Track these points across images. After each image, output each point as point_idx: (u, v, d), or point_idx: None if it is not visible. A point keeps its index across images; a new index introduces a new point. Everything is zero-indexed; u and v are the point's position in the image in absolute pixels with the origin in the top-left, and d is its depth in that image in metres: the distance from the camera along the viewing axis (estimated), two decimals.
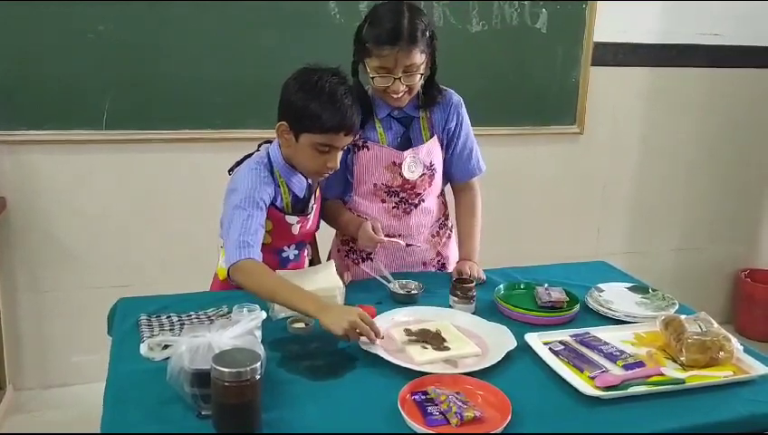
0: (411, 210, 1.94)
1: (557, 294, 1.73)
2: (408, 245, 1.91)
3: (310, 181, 1.78)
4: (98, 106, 2.56)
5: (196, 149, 2.69)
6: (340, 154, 1.70)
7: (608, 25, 3.03)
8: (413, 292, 1.78)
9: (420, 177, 1.89)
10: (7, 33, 2.43)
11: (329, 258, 2.05)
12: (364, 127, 1.85)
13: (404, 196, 1.92)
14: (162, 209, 2.74)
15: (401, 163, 1.87)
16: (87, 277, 2.72)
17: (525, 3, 2.89)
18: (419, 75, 1.78)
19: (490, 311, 1.72)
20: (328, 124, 1.61)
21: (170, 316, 1.61)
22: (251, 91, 2.65)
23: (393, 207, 1.93)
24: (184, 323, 1.57)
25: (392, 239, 1.86)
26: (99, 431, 1.24)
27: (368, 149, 1.87)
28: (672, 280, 3.42)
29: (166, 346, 1.40)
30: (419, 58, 1.74)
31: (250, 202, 1.63)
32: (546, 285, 1.79)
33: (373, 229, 1.82)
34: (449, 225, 2.07)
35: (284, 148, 1.71)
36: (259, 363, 1.20)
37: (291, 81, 1.67)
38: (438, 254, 2.02)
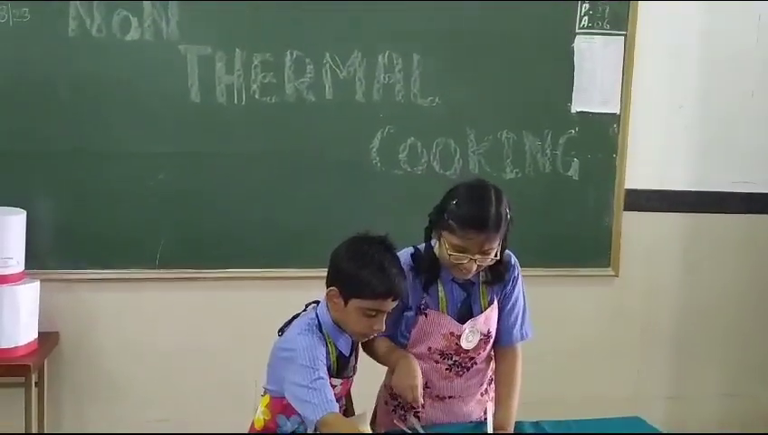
0: (463, 373, 1.97)
1: None
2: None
3: (354, 339, 1.85)
4: (152, 246, 2.73)
5: (242, 287, 2.81)
6: (385, 317, 1.77)
7: (639, 173, 3.13)
8: None
9: (476, 344, 1.93)
10: (72, 181, 2.66)
11: (375, 410, 2.07)
12: (428, 290, 1.90)
13: (457, 359, 1.94)
14: (206, 346, 2.83)
15: (460, 335, 1.90)
16: (131, 411, 2.78)
17: (557, 153, 3.03)
18: (492, 257, 1.81)
19: None
20: (377, 291, 1.70)
21: None
22: (293, 234, 2.80)
23: (446, 369, 1.95)
24: None
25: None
26: None
27: (426, 316, 1.91)
28: (719, 425, 3.32)
29: None
30: (497, 242, 1.79)
31: (313, 360, 1.70)
32: None
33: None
34: None
35: (333, 311, 1.78)
36: None
37: (341, 249, 1.77)
38: (485, 412, 2.01)
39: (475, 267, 1.80)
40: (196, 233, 2.77)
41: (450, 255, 1.80)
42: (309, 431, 1.67)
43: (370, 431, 1.77)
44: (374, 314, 1.73)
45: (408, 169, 2.90)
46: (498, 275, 1.92)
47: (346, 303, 1.74)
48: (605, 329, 3.24)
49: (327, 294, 1.78)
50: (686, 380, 3.37)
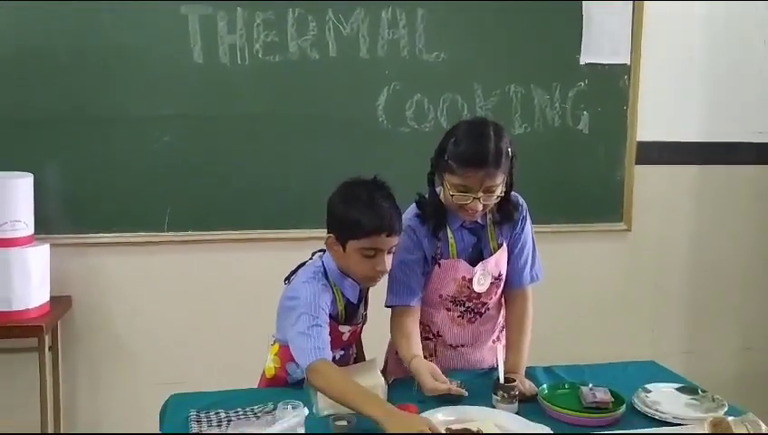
0: (476, 319, 1.96)
1: (602, 395, 1.71)
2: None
3: (362, 287, 1.84)
4: (160, 210, 2.72)
5: (250, 249, 2.81)
6: (388, 257, 1.75)
7: (651, 125, 3.09)
8: None
9: (488, 288, 1.91)
10: (81, 148, 2.65)
11: (386, 361, 2.07)
12: (438, 237, 1.88)
13: (470, 305, 1.93)
14: (216, 307, 2.84)
15: (471, 278, 1.88)
16: (144, 374, 2.80)
17: (566, 106, 2.99)
18: (498, 195, 1.79)
19: (534, 410, 1.70)
20: (368, 227, 1.69)
21: (218, 412, 1.66)
22: (300, 194, 2.78)
23: (458, 316, 1.94)
24: (231, 419, 1.61)
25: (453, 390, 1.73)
26: None
27: (440, 266, 1.89)
28: (735, 380, 3.29)
29: None
30: (500, 179, 1.76)
31: (314, 308, 1.69)
32: (591, 384, 1.77)
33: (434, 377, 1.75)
34: None
35: (335, 258, 1.78)
36: None
37: (333, 194, 1.77)
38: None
39: (480, 206, 1.77)
40: (203, 195, 2.76)
41: (453, 195, 1.78)
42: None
43: (381, 378, 1.75)
44: (372, 253, 1.71)
45: (416, 127, 2.87)
46: (507, 215, 1.89)
47: (344, 247, 1.73)
48: (618, 284, 3.21)
49: (326, 243, 1.77)
50: (701, 334, 3.34)
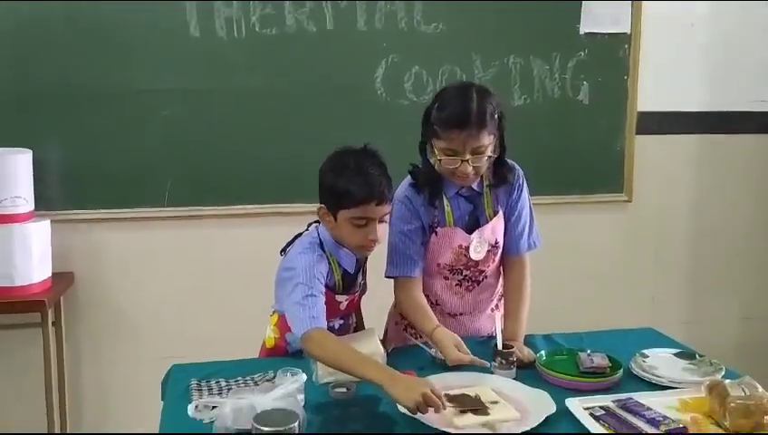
0: (474, 287, 1.96)
1: (599, 360, 1.72)
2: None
3: (358, 257, 1.84)
4: (160, 185, 2.73)
5: (250, 224, 2.82)
6: (380, 226, 1.74)
7: (651, 95, 3.08)
8: None
9: (485, 255, 1.92)
10: (79, 124, 2.65)
11: (386, 331, 2.08)
12: (434, 205, 1.89)
13: (467, 274, 1.94)
14: (217, 281, 2.85)
15: (468, 246, 1.89)
16: (146, 348, 2.83)
17: (566, 76, 2.97)
18: (487, 157, 1.79)
19: (532, 376, 1.72)
20: (358, 196, 1.68)
21: (219, 381, 1.68)
22: (300, 168, 2.75)
23: (456, 285, 1.95)
24: (231, 388, 1.63)
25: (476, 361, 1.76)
26: None
27: (436, 234, 1.90)
28: (735, 350, 3.30)
29: (213, 407, 1.46)
30: (487, 140, 1.76)
31: (310, 278, 1.70)
32: (589, 350, 1.78)
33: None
34: None
35: (328, 229, 1.78)
36: (297, 423, 1.24)
37: (324, 164, 1.77)
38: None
39: (470, 169, 1.77)
40: (203, 170, 2.76)
41: (441, 160, 1.78)
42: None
43: (380, 346, 1.77)
44: (364, 222, 1.71)
45: (414, 99, 2.85)
46: (502, 178, 1.89)
47: (335, 217, 1.73)
48: (618, 255, 3.22)
49: (318, 213, 1.77)
50: (701, 304, 3.35)
